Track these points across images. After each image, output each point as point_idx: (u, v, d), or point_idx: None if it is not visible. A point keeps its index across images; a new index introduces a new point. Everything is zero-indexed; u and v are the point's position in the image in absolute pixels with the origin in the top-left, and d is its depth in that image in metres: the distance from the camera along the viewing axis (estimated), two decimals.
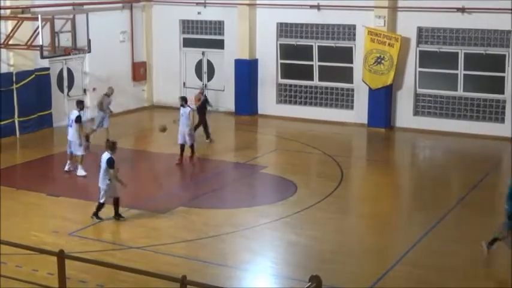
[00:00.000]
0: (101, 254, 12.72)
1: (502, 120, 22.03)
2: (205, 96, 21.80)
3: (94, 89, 24.56)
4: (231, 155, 20.29)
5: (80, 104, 18.32)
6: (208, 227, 14.28)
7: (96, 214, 14.52)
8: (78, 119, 17.67)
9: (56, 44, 20.14)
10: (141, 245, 13.29)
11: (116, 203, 14.53)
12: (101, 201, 14.46)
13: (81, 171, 17.76)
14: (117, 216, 14.57)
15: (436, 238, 13.75)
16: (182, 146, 18.94)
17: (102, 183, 14.40)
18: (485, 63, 22.12)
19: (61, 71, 23.72)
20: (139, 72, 26.56)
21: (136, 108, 26.40)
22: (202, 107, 21.24)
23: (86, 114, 18.02)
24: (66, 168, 18.06)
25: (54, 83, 23.29)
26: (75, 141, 17.74)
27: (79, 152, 17.76)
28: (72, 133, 17.80)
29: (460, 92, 22.61)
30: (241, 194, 17.10)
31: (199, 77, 26.62)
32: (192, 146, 19.16)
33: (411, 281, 11.81)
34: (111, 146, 14.56)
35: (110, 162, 14.27)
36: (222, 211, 15.57)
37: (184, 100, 19.35)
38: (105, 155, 14.40)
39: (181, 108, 19.11)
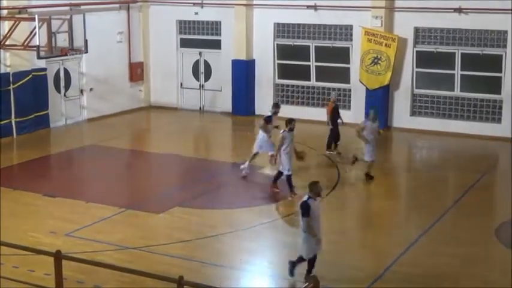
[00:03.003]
0: (97, 254, 12.70)
1: (499, 121, 22.05)
2: (336, 105, 20.40)
3: (91, 89, 24.57)
4: (228, 155, 20.26)
5: (276, 107, 17.84)
6: (205, 227, 14.27)
7: (291, 268, 11.69)
8: (269, 119, 17.42)
9: (53, 45, 20.10)
10: (137, 245, 13.27)
11: (312, 261, 11.55)
12: (302, 254, 11.54)
13: (268, 171, 17.43)
14: (308, 274, 11.42)
15: (433, 238, 13.75)
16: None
17: (301, 233, 11.50)
18: (482, 63, 22.13)
19: (58, 72, 23.68)
20: (137, 72, 26.53)
21: (133, 109, 26.38)
22: (336, 117, 20.13)
23: None
24: (244, 172, 17.40)
25: (51, 84, 23.25)
26: (266, 141, 17.36)
27: (271, 150, 17.06)
28: (263, 134, 17.45)
29: (457, 92, 22.63)
30: (238, 194, 17.08)
31: (196, 78, 26.60)
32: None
33: (408, 282, 11.79)
34: (312, 186, 11.36)
35: (303, 208, 11.20)
36: (218, 211, 15.55)
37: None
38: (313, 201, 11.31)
39: (289, 132, 16.20)
